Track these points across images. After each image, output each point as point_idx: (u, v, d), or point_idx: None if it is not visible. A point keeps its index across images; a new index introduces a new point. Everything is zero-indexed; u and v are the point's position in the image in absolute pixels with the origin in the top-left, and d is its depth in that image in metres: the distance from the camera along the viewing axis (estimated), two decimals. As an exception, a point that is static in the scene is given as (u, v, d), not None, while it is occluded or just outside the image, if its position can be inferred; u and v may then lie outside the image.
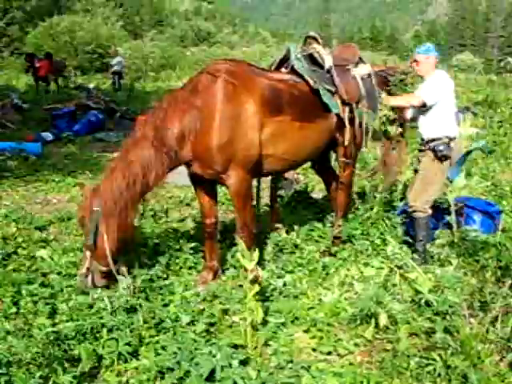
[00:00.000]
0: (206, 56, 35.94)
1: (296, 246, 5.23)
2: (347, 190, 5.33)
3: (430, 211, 5.00)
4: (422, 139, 5.04)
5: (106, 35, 34.55)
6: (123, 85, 22.26)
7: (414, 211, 4.96)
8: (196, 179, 4.41)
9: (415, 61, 5.05)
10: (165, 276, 4.40)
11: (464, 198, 5.94)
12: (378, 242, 5.19)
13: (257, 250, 3.75)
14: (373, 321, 3.73)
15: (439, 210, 5.63)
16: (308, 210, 6.22)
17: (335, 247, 5.17)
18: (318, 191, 6.96)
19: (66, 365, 3.16)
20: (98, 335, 3.46)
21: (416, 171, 5.15)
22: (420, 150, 5.14)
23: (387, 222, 5.39)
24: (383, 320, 3.73)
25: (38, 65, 19.60)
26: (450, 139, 4.89)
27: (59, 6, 37.77)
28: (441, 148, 4.83)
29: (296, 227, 5.60)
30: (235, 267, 4.62)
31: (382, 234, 5.26)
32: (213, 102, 4.05)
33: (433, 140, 4.89)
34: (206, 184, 4.43)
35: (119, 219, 4.00)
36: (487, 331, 3.36)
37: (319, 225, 5.64)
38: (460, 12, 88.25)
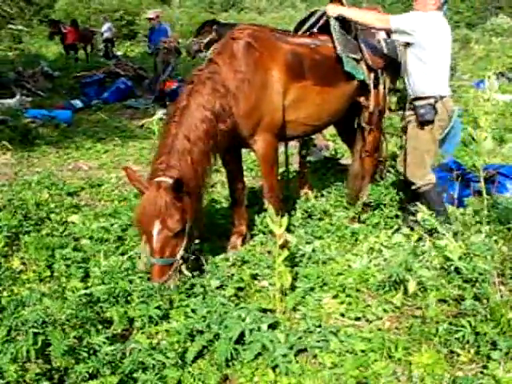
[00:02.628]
0: (235, 22, 35.53)
1: (325, 212, 5.22)
2: (373, 155, 5.28)
3: (433, 178, 4.64)
4: (405, 100, 4.65)
5: (133, 2, 34.37)
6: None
7: (418, 188, 4.63)
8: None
9: None
10: (197, 243, 4.44)
11: (497, 166, 5.84)
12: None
13: (286, 215, 3.75)
14: (401, 287, 3.72)
15: (470, 176, 5.55)
16: (337, 176, 6.18)
17: (364, 214, 5.15)
18: (347, 158, 6.88)
19: (99, 326, 3.22)
20: (129, 298, 3.53)
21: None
22: (402, 117, 4.81)
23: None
24: (412, 286, 3.71)
25: (64, 31, 19.63)
26: (436, 99, 4.41)
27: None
28: (422, 111, 4.39)
29: (325, 193, 5.59)
30: (264, 233, 4.63)
31: (411, 199, 5.19)
32: (237, 69, 4.03)
33: (417, 99, 4.46)
34: (231, 149, 4.42)
35: (199, 194, 3.86)
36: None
37: (347, 191, 5.60)
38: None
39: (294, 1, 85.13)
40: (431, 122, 4.41)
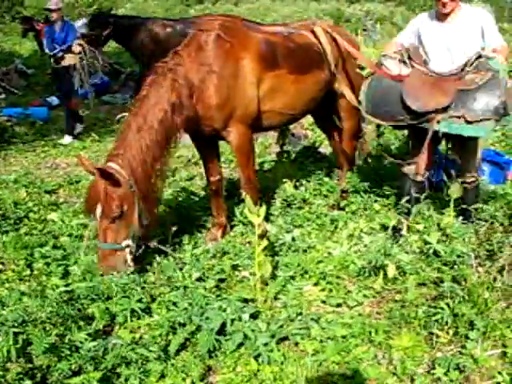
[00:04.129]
0: (210, 13, 35.35)
1: (304, 200, 5.24)
2: (351, 142, 5.32)
3: None
4: None
5: (108, -4, 34.04)
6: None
7: (472, 182, 4.47)
8: (197, 137, 4.39)
9: None
10: (175, 234, 4.43)
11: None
12: (386, 192, 5.18)
13: (264, 205, 3.76)
14: (381, 272, 3.76)
15: (448, 160, 5.60)
16: (316, 164, 6.20)
17: (343, 201, 5.18)
18: (326, 146, 6.91)
19: (81, 323, 3.22)
20: (110, 294, 3.52)
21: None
22: None
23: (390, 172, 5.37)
24: (391, 271, 3.75)
25: (38, 28, 19.34)
26: None
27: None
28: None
29: (304, 182, 5.61)
30: (244, 223, 4.65)
31: (388, 185, 5.24)
32: (209, 60, 4.00)
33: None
34: (207, 141, 4.43)
35: (148, 183, 3.83)
36: (494, 280, 3.39)
37: (327, 179, 5.63)
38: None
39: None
40: None
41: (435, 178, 5.50)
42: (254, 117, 4.27)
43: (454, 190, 4.61)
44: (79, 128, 9.14)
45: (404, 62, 4.25)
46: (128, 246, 3.73)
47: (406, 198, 4.45)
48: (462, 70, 4.09)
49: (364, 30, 24.42)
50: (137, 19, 9.62)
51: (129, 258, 3.74)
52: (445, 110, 3.98)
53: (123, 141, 3.75)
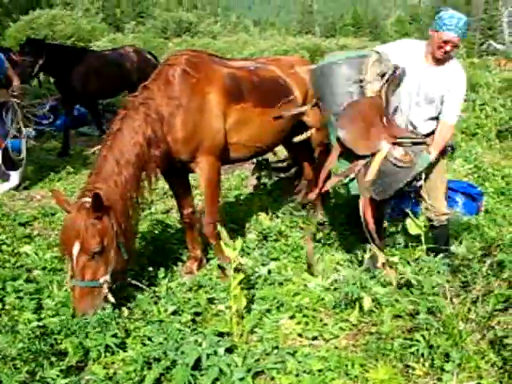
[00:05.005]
0: (188, 47, 35.68)
1: (280, 233, 5.26)
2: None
3: None
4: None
5: (86, 28, 34.24)
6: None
7: (446, 219, 4.46)
8: (167, 170, 4.35)
9: (451, 42, 3.94)
10: (150, 267, 4.40)
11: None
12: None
13: (239, 237, 3.76)
14: (357, 305, 3.78)
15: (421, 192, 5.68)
16: (293, 197, 6.23)
17: (319, 233, 5.20)
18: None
19: (53, 359, 3.17)
20: (84, 328, 3.47)
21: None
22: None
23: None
24: (367, 303, 3.77)
25: (16, 59, 19.31)
26: None
27: (38, 0, 37.30)
28: (451, 142, 4.46)
29: (280, 214, 5.64)
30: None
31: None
32: (172, 95, 4.02)
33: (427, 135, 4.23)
34: (177, 175, 4.44)
35: (126, 217, 3.78)
36: (469, 311, 3.42)
37: (303, 212, 5.67)
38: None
39: (248, 25, 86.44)
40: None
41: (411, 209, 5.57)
42: (222, 148, 4.30)
43: (412, 227, 4.67)
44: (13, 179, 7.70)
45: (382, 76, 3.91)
46: (106, 281, 3.64)
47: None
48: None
49: None
50: (70, 48, 9.67)
51: (106, 294, 3.63)
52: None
53: (99, 174, 3.71)
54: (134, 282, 3.97)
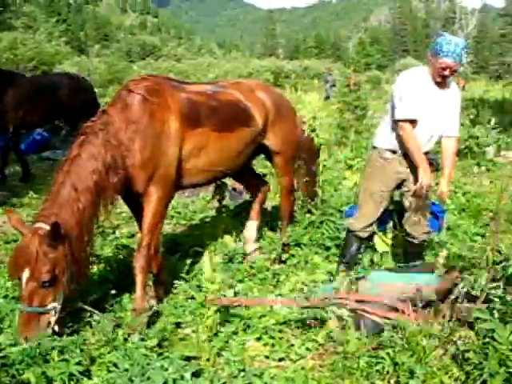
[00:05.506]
0: (153, 70, 35.74)
1: (245, 255, 5.28)
2: (289, 196, 5.40)
3: None
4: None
5: (49, 52, 33.99)
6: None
7: (427, 235, 4.67)
8: (127, 197, 4.30)
9: (450, 68, 4.10)
10: (115, 292, 4.35)
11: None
12: (327, 245, 5.29)
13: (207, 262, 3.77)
14: (324, 325, 3.81)
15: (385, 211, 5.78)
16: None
17: (285, 254, 5.24)
18: (267, 200, 7.02)
19: (15, 390, 3.10)
20: (48, 357, 3.40)
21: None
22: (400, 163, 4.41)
23: (331, 225, 5.48)
24: (333, 323, 3.81)
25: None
26: None
27: (-1, 23, 36.93)
28: (435, 158, 4.52)
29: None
30: (186, 280, 4.60)
31: (328, 237, 5.35)
32: (131, 121, 3.95)
33: (426, 153, 4.31)
34: (138, 201, 4.26)
35: (82, 244, 3.72)
36: (431, 326, 3.47)
37: (269, 233, 5.70)
38: (401, 19, 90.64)
39: (212, 48, 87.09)
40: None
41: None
42: (177, 176, 4.21)
43: (379, 243, 4.78)
44: None
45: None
46: (54, 308, 3.56)
47: (349, 251, 4.60)
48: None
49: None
50: (2, 71, 9.46)
51: (52, 320, 3.56)
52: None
53: (56, 200, 3.62)
54: (86, 307, 3.89)
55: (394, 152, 4.40)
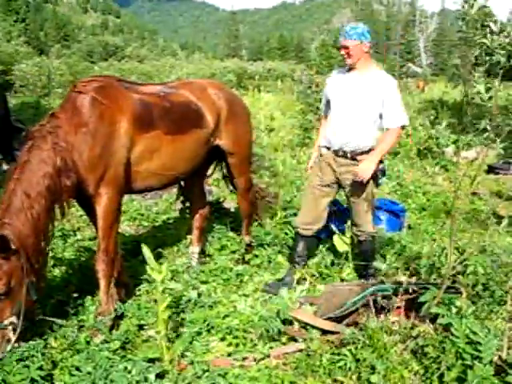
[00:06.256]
0: (115, 71, 35.35)
1: (209, 255, 5.29)
2: (246, 197, 5.35)
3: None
4: (344, 152, 4.45)
5: (7, 51, 33.30)
6: (30, 102, 21.52)
7: (367, 237, 4.61)
8: (80, 200, 4.21)
9: (344, 47, 4.33)
10: (77, 295, 4.31)
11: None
12: (290, 244, 5.34)
13: (167, 261, 3.77)
14: (287, 323, 3.85)
15: (345, 210, 5.87)
16: (221, 220, 6.28)
17: (248, 255, 5.26)
18: (230, 201, 7.04)
19: (-27, 398, 3.04)
20: (7, 362, 3.34)
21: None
22: (334, 159, 4.52)
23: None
24: (296, 323, 3.86)
25: None
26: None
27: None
28: (382, 167, 4.42)
29: (209, 237, 5.66)
30: (148, 281, 4.59)
31: (291, 237, 5.40)
32: (80, 122, 3.87)
33: (369, 151, 4.38)
34: (90, 204, 4.14)
35: (38, 252, 3.60)
36: (392, 323, 3.55)
37: (232, 234, 5.72)
38: (362, 21, 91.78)
39: (175, 49, 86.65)
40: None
41: (336, 228, 5.74)
42: (127, 179, 4.14)
43: (338, 243, 4.84)
44: None
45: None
46: (12, 323, 3.43)
47: (295, 250, 4.74)
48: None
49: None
50: None
51: (11, 336, 3.41)
52: None
53: (8, 209, 3.49)
54: (47, 318, 3.83)
55: (328, 148, 4.56)
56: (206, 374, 3.33)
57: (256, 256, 5.23)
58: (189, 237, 5.43)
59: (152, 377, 3.16)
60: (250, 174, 5.40)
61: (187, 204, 5.73)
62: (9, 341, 3.40)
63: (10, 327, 3.41)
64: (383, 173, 4.46)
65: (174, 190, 6.26)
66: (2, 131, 8.57)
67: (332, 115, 4.54)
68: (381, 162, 4.38)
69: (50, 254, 4.73)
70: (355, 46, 4.26)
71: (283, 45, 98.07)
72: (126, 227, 6.34)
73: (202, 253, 5.32)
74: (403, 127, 4.45)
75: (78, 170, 3.82)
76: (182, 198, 5.77)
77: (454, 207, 3.53)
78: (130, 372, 3.15)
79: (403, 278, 3.88)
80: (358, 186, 4.41)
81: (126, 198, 4.57)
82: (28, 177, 3.57)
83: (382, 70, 4.49)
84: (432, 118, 13.11)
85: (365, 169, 4.26)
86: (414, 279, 4.11)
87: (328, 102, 4.64)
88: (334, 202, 6.00)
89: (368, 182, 4.36)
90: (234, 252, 5.40)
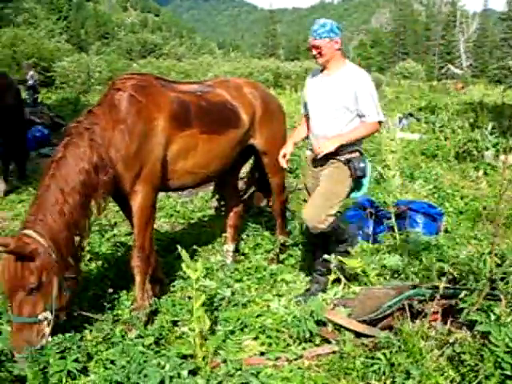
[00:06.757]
0: (153, 68, 35.75)
1: (244, 254, 5.29)
2: (280, 197, 5.31)
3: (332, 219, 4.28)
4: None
5: (49, 48, 34.00)
6: (69, 98, 21.94)
7: (315, 227, 4.25)
8: (116, 197, 4.24)
9: (315, 47, 4.16)
10: (112, 290, 4.36)
11: (407, 202, 6.14)
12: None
13: (202, 259, 3.78)
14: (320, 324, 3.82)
15: (383, 213, 5.81)
16: (255, 218, 6.28)
17: (282, 254, 5.25)
18: (265, 200, 7.03)
19: (12, 385, 3.11)
20: (45, 353, 3.41)
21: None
22: (314, 160, 4.42)
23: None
24: (330, 324, 3.82)
25: None
26: (361, 153, 4.36)
27: (0, 19, 36.94)
28: (361, 165, 4.22)
29: (244, 236, 5.66)
30: (183, 278, 4.62)
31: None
32: (118, 119, 3.90)
33: (346, 152, 4.23)
34: (126, 201, 4.17)
35: (72, 247, 3.66)
36: (428, 328, 3.49)
37: (266, 233, 5.71)
38: (402, 22, 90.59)
39: (212, 47, 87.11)
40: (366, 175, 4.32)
41: (373, 229, 5.69)
42: (163, 177, 4.16)
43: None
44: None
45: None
46: (46, 318, 3.48)
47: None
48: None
49: None
50: None
51: (47, 331, 3.47)
52: None
53: (42, 205, 3.55)
54: (83, 313, 3.90)
55: (311, 150, 4.47)
56: (239, 372, 3.33)
57: (290, 256, 5.21)
58: (224, 235, 5.44)
59: (185, 373, 3.17)
60: (284, 173, 5.37)
61: (222, 202, 5.74)
62: (43, 336, 3.45)
63: (45, 322, 3.46)
64: (362, 172, 4.24)
65: (210, 188, 6.30)
66: (14, 125, 8.56)
67: (310, 118, 4.42)
68: (362, 161, 4.24)
69: (87, 249, 4.82)
70: (325, 44, 4.10)
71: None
72: (162, 223, 6.40)
73: (237, 251, 5.34)
74: (380, 123, 4.25)
75: (115, 166, 3.85)
76: (217, 196, 5.78)
77: (498, 212, 3.45)
78: (163, 367, 3.17)
79: (440, 284, 3.78)
80: (325, 178, 4.28)
81: (162, 194, 4.62)
82: (63, 172, 3.63)
83: (355, 65, 4.31)
84: (471, 120, 12.86)
85: (323, 145, 4.14)
86: (451, 284, 4.03)
87: (306, 104, 4.52)
88: (371, 203, 5.95)
89: (338, 178, 4.24)
90: (268, 251, 5.40)
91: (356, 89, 4.12)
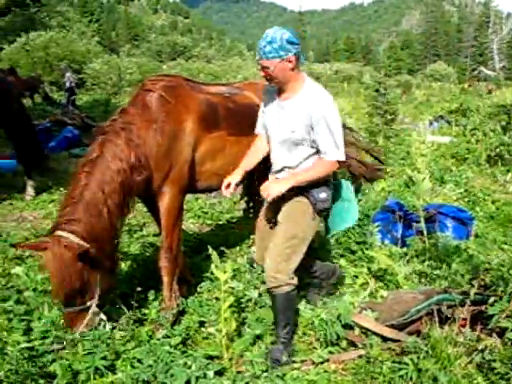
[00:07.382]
0: (183, 70, 36.03)
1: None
2: None
3: (296, 280, 3.57)
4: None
5: (81, 51, 34.55)
6: (100, 100, 22.25)
7: (278, 286, 3.50)
8: (143, 197, 4.26)
9: (263, 68, 3.33)
10: (140, 289, 4.40)
11: (437, 205, 6.08)
12: (354, 248, 5.27)
13: (230, 261, 3.79)
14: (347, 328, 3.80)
15: (412, 216, 5.75)
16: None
17: (310, 257, 5.21)
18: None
19: (41, 381, 3.15)
20: (74, 350, 3.46)
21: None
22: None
23: (357, 229, 5.44)
24: (357, 328, 3.80)
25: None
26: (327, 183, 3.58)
27: (34, 22, 37.61)
28: (322, 196, 3.50)
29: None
30: (211, 279, 4.64)
31: (356, 242, 5.32)
32: (150, 119, 3.90)
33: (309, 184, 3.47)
34: (153, 201, 4.17)
35: (111, 247, 3.73)
36: (457, 334, 3.44)
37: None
38: (433, 23, 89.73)
39: (242, 49, 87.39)
40: (329, 209, 3.69)
41: (401, 233, 5.63)
42: (190, 178, 4.16)
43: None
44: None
45: None
46: (95, 302, 3.61)
47: None
48: None
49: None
50: None
51: (99, 312, 3.65)
52: None
53: (78, 204, 3.55)
54: (117, 301, 4.00)
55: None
56: (265, 374, 3.34)
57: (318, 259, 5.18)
58: (252, 237, 5.44)
59: (211, 374, 3.20)
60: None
61: (251, 204, 5.74)
62: (98, 315, 3.65)
63: (94, 305, 3.60)
64: (324, 204, 3.53)
65: (238, 190, 6.31)
66: (19, 129, 8.67)
67: (269, 140, 3.74)
68: (323, 191, 3.51)
69: (117, 248, 4.88)
70: (276, 65, 3.27)
71: (350, 46, 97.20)
72: (190, 224, 6.44)
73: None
74: (339, 161, 3.42)
75: (149, 167, 3.86)
76: (245, 198, 5.80)
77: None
78: (189, 367, 3.21)
79: (470, 289, 3.73)
80: (285, 217, 3.58)
81: (190, 195, 4.64)
82: (101, 172, 3.63)
83: (316, 86, 3.44)
84: (504, 123, 12.64)
85: (270, 186, 3.45)
86: (481, 290, 3.97)
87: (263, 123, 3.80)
88: (400, 206, 5.90)
89: (298, 215, 3.54)
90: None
91: (312, 119, 3.33)
